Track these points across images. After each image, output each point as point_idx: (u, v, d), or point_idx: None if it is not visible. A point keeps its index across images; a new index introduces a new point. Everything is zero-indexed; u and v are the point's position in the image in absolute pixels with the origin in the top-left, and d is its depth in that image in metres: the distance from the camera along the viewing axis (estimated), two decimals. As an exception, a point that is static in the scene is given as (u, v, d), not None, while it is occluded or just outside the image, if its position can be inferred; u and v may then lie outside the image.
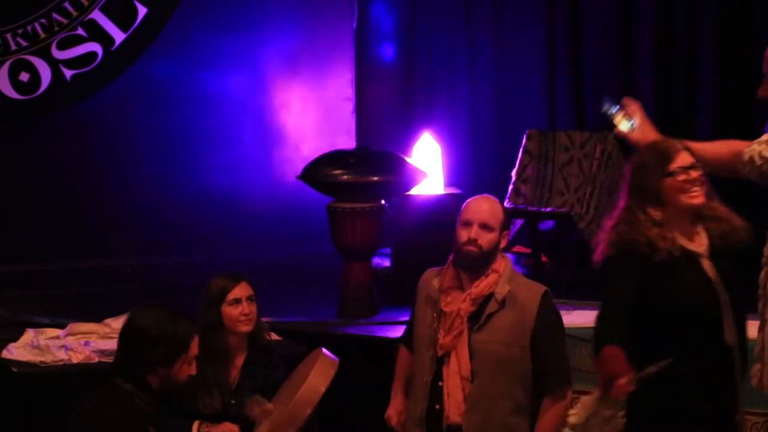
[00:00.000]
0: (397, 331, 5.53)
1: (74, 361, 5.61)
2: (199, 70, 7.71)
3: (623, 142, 4.50)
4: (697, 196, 3.91)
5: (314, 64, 7.94)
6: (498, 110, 7.98)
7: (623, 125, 4.33)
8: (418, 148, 7.14)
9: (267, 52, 7.83)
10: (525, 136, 7.32)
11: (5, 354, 5.72)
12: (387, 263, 6.96)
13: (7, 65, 7.24)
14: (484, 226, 4.36)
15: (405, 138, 7.50)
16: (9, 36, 7.24)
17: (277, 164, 7.82)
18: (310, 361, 4.45)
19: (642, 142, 4.30)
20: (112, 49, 7.41)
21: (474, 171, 7.78)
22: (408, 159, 6.71)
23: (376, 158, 6.63)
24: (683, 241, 3.91)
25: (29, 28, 7.28)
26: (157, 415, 3.79)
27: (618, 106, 4.36)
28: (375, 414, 4.66)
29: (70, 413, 3.81)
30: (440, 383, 4.37)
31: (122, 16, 7.40)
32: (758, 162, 4.05)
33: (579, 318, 5.52)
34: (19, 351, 5.74)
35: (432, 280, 4.51)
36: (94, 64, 7.40)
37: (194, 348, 3.84)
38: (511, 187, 7.25)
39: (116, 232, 7.44)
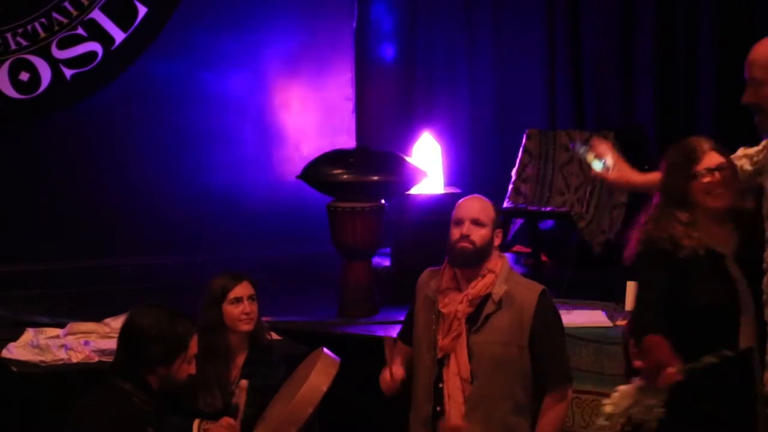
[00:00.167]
0: (398, 331, 5.53)
1: (74, 360, 5.60)
2: (199, 69, 7.72)
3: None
4: (722, 198, 3.87)
5: (314, 64, 7.95)
6: (498, 110, 7.98)
7: (596, 165, 4.32)
8: (418, 147, 7.14)
9: (267, 52, 7.84)
10: (525, 136, 7.33)
11: (5, 353, 5.71)
12: (387, 263, 6.97)
13: (7, 65, 7.24)
14: (476, 222, 4.37)
15: (405, 137, 7.51)
16: (9, 35, 7.24)
17: (277, 164, 7.83)
18: (312, 361, 4.45)
19: (620, 181, 4.29)
20: (112, 48, 7.42)
21: (474, 170, 7.79)
22: (408, 158, 6.72)
23: (376, 158, 6.64)
24: (709, 241, 3.87)
25: (29, 27, 7.29)
26: (157, 415, 3.79)
27: (588, 147, 4.35)
28: (375, 413, 4.66)
29: (70, 413, 3.81)
30: (441, 385, 4.38)
31: (122, 15, 7.40)
32: (740, 177, 4.03)
33: (579, 317, 5.52)
34: (18, 350, 5.74)
35: (430, 280, 4.51)
36: (94, 63, 7.40)
37: (193, 347, 3.84)
38: (511, 186, 7.25)
39: (116, 231, 7.45)
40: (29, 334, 5.92)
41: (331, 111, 7.98)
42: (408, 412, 4.53)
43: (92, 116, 7.48)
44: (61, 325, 6.02)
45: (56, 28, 7.32)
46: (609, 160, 4.25)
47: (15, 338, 5.85)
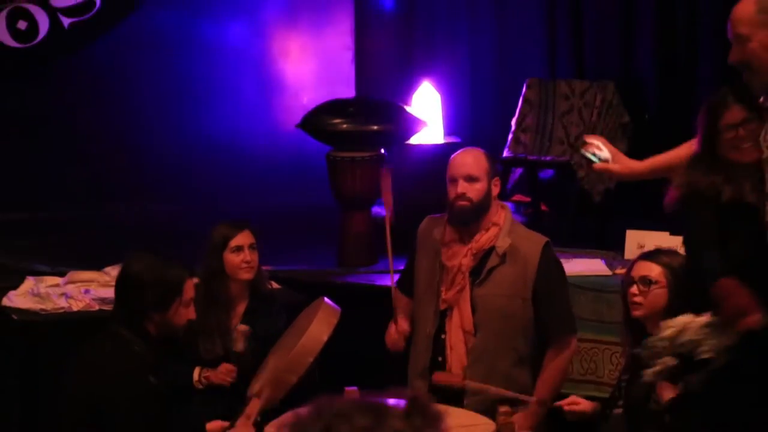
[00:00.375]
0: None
1: (74, 308, 5.62)
2: (198, 18, 7.71)
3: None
4: (746, 153, 3.82)
5: (314, 13, 7.93)
6: (498, 59, 7.94)
7: (594, 158, 4.26)
8: (418, 97, 7.12)
9: (266, 0, 7.79)
10: (525, 85, 7.30)
11: (5, 302, 5.73)
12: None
13: (4, 13, 7.22)
14: (470, 178, 4.37)
15: (405, 87, 7.48)
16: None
17: (277, 113, 7.83)
18: (312, 311, 4.45)
19: (624, 172, 4.24)
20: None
21: (474, 120, 7.78)
22: (408, 108, 6.70)
23: (375, 107, 6.64)
24: (748, 190, 3.82)
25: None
26: (157, 363, 3.81)
27: (583, 145, 4.30)
28: (375, 362, 4.67)
29: (70, 361, 3.84)
30: (443, 336, 4.40)
31: (120, -37, 7.37)
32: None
33: (578, 266, 5.53)
34: (19, 299, 5.75)
35: (433, 229, 4.51)
36: (93, 12, 7.36)
37: (188, 291, 3.85)
38: (510, 136, 7.24)
39: (116, 180, 7.46)
40: (29, 282, 5.92)
41: (331, 60, 7.98)
42: (407, 362, 4.55)
43: (91, 65, 7.47)
44: (62, 274, 6.02)
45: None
46: (605, 153, 4.22)
47: (15, 287, 5.85)
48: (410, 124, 6.51)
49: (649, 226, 5.63)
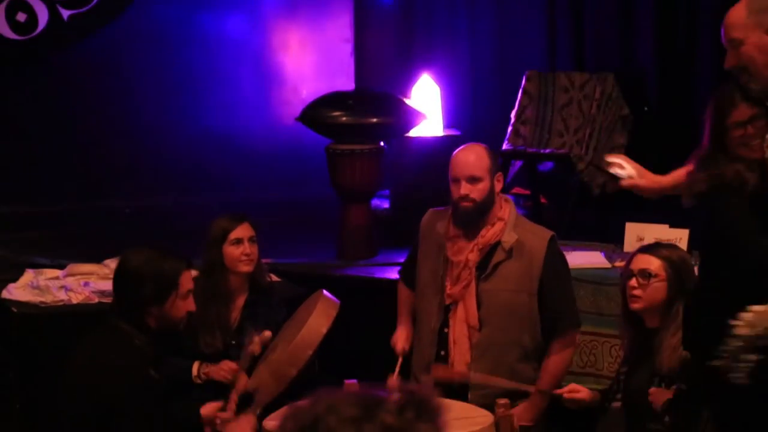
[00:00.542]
0: (397, 273, 5.54)
1: (74, 301, 5.63)
2: (197, 10, 7.70)
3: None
4: (755, 150, 3.78)
5: (313, 5, 7.95)
6: (498, 51, 7.95)
7: (620, 174, 4.24)
8: (417, 89, 7.12)
9: (266, -8, 7.83)
10: (524, 78, 7.30)
11: (5, 294, 5.74)
12: (386, 205, 6.97)
13: (3, 5, 7.20)
14: (472, 179, 4.38)
15: (404, 79, 7.50)
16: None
17: (276, 106, 7.83)
18: (311, 303, 4.45)
19: (652, 186, 4.21)
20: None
21: (473, 112, 7.79)
22: (407, 101, 6.70)
23: (374, 100, 6.63)
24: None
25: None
26: (157, 356, 3.81)
27: (607, 165, 4.28)
28: (374, 355, 4.67)
29: (71, 355, 3.83)
30: (446, 330, 4.40)
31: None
32: None
33: (578, 259, 5.53)
34: (18, 291, 5.76)
35: (436, 223, 4.51)
36: (92, 4, 7.34)
37: (185, 284, 3.84)
38: (510, 128, 7.24)
39: (115, 173, 7.45)
40: (29, 275, 5.93)
41: (330, 53, 7.98)
42: (410, 356, 4.56)
43: (90, 58, 7.45)
44: (61, 267, 6.03)
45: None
46: (630, 170, 4.21)
47: (15, 279, 5.87)
48: (410, 117, 6.50)
49: (648, 218, 5.62)
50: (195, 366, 4.58)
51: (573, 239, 6.01)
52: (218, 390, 4.49)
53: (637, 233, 5.63)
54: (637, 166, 4.21)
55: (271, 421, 4.00)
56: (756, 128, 3.78)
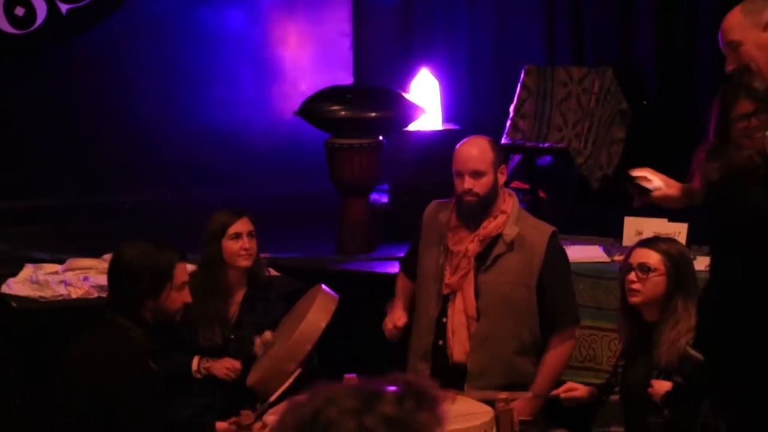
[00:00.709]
0: (396, 267, 5.53)
1: (73, 296, 5.65)
2: (196, 5, 7.71)
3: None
4: (758, 142, 3.78)
5: (311, 0, 7.91)
6: (496, 45, 7.94)
7: (649, 186, 4.21)
8: (416, 84, 7.12)
9: (265, -13, 7.82)
10: (523, 72, 7.30)
11: (5, 289, 5.76)
12: (385, 199, 6.98)
13: (2, 0, 7.19)
14: (476, 174, 4.39)
15: (403, 74, 7.48)
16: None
17: (275, 100, 7.83)
18: (310, 298, 4.47)
19: (679, 194, 4.20)
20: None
21: (472, 106, 7.77)
22: (406, 95, 6.71)
23: (373, 94, 6.64)
24: None
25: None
26: (155, 349, 3.82)
27: (633, 179, 4.24)
28: (374, 349, 4.68)
29: (70, 349, 3.84)
30: (444, 320, 4.41)
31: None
32: None
33: (577, 253, 5.53)
34: (18, 286, 5.78)
35: (438, 214, 4.53)
36: (92, -2, 7.37)
37: (179, 275, 3.85)
38: (509, 122, 7.24)
39: (114, 168, 7.44)
40: (29, 269, 5.94)
41: (329, 47, 7.97)
42: (408, 344, 4.57)
43: (88, 52, 7.45)
44: (61, 261, 6.03)
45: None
46: (657, 182, 4.20)
47: (14, 274, 5.88)
48: (408, 111, 6.51)
49: (647, 212, 5.63)
50: (195, 361, 4.59)
51: (572, 233, 6.01)
52: (216, 386, 4.51)
53: (636, 227, 5.63)
54: (663, 176, 4.19)
55: (270, 417, 3.99)
56: (759, 121, 3.79)
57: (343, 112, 6.34)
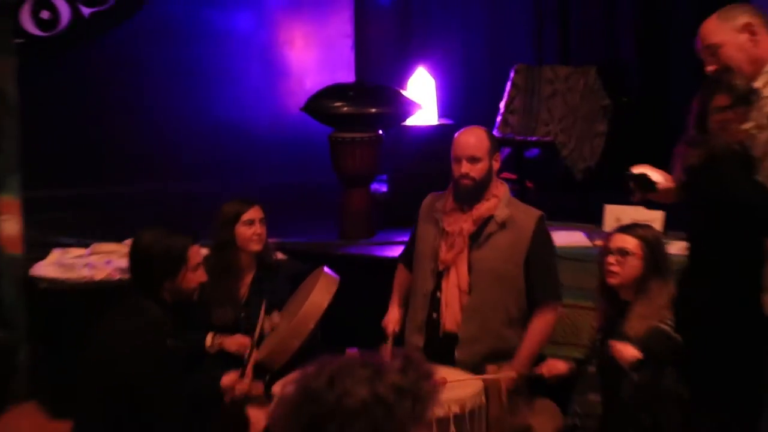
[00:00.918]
0: (394, 251, 5.57)
1: (97, 278, 5.65)
2: (208, 8, 7.66)
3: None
4: (734, 134, 3.83)
5: (316, 3, 7.89)
6: (488, 46, 7.94)
7: (654, 178, 4.22)
8: (414, 81, 7.11)
9: (271, -9, 7.83)
10: (513, 71, 7.32)
11: (34, 271, 5.75)
12: (384, 189, 6.93)
13: (29, 4, 7.19)
14: (472, 159, 4.43)
15: (401, 72, 7.45)
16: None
17: (282, 97, 7.79)
18: (313, 279, 4.47)
19: (674, 188, 4.21)
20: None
21: (466, 103, 7.75)
22: (404, 92, 6.67)
23: (373, 91, 6.60)
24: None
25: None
26: (174, 327, 3.83)
27: (636, 178, 4.23)
28: (373, 327, 4.72)
29: (94, 328, 3.85)
30: (438, 294, 4.45)
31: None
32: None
33: (561, 238, 5.53)
34: (46, 268, 5.77)
35: (435, 202, 4.58)
36: (110, 2, 7.36)
37: (193, 257, 3.87)
38: (499, 117, 7.26)
39: (134, 160, 7.43)
40: (56, 253, 5.94)
41: (332, 47, 7.92)
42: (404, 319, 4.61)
43: (109, 52, 7.44)
44: (86, 246, 6.04)
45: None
46: (656, 176, 4.24)
47: (43, 257, 5.88)
48: (406, 107, 6.49)
49: (626, 201, 5.65)
50: (209, 337, 4.59)
51: (557, 220, 6.02)
52: (228, 360, 4.54)
53: (616, 215, 5.63)
54: (662, 171, 4.21)
55: (278, 387, 4.02)
56: (736, 114, 3.83)
57: (345, 108, 6.32)
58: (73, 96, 7.36)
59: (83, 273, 5.68)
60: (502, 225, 4.43)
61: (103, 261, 5.78)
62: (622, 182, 4.28)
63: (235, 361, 4.40)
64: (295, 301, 4.51)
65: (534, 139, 7.13)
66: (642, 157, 4.40)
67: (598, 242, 5.25)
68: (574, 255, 5.35)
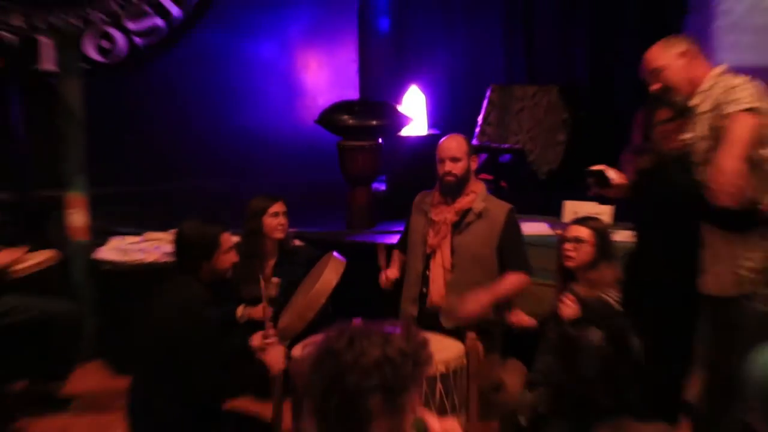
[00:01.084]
0: (392, 239, 5.61)
1: (148, 260, 5.67)
2: (238, 37, 7.62)
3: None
4: (673, 142, 3.82)
5: (327, 34, 7.85)
6: (469, 69, 7.94)
7: (609, 175, 4.24)
8: (407, 98, 7.12)
9: (291, 25, 7.72)
10: (489, 90, 7.33)
11: (97, 255, 5.78)
12: (383, 187, 6.91)
13: (91, 35, 7.22)
14: (454, 159, 4.44)
15: (397, 90, 7.45)
16: (90, 11, 7.21)
17: (299, 111, 7.75)
18: (325, 262, 4.43)
19: (622, 182, 4.21)
20: (173, 22, 7.36)
21: (451, 116, 7.72)
22: (399, 107, 6.67)
23: (374, 107, 6.55)
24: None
25: (107, 4, 7.23)
26: (212, 299, 3.84)
27: (594, 174, 4.22)
28: (375, 302, 4.74)
29: (149, 301, 3.85)
30: (428, 272, 4.47)
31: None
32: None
33: (529, 228, 5.51)
34: (107, 253, 5.81)
35: (424, 199, 4.61)
36: (160, 34, 7.36)
37: (225, 242, 3.85)
38: (478, 128, 7.27)
39: (178, 163, 7.38)
40: (115, 240, 5.99)
41: (340, 70, 7.88)
42: (400, 295, 4.62)
43: (159, 75, 7.42)
44: (139, 234, 6.08)
45: (127, 5, 7.28)
46: (612, 173, 4.23)
47: (104, 243, 5.92)
48: (401, 120, 6.46)
49: (581, 197, 5.67)
50: (239, 309, 4.61)
51: (525, 213, 6.01)
52: (255, 327, 4.57)
53: (573, 209, 5.63)
54: (616, 170, 4.19)
55: (297, 349, 4.02)
56: (676, 126, 3.84)
57: (351, 121, 6.28)
58: (128, 110, 7.34)
59: (137, 256, 5.70)
60: (479, 215, 4.44)
61: (153, 246, 5.83)
62: (581, 179, 4.28)
63: (261, 327, 4.42)
64: (309, 280, 4.50)
65: (506, 146, 7.14)
66: (595, 162, 4.41)
67: (558, 231, 5.25)
68: (538, 242, 5.32)
